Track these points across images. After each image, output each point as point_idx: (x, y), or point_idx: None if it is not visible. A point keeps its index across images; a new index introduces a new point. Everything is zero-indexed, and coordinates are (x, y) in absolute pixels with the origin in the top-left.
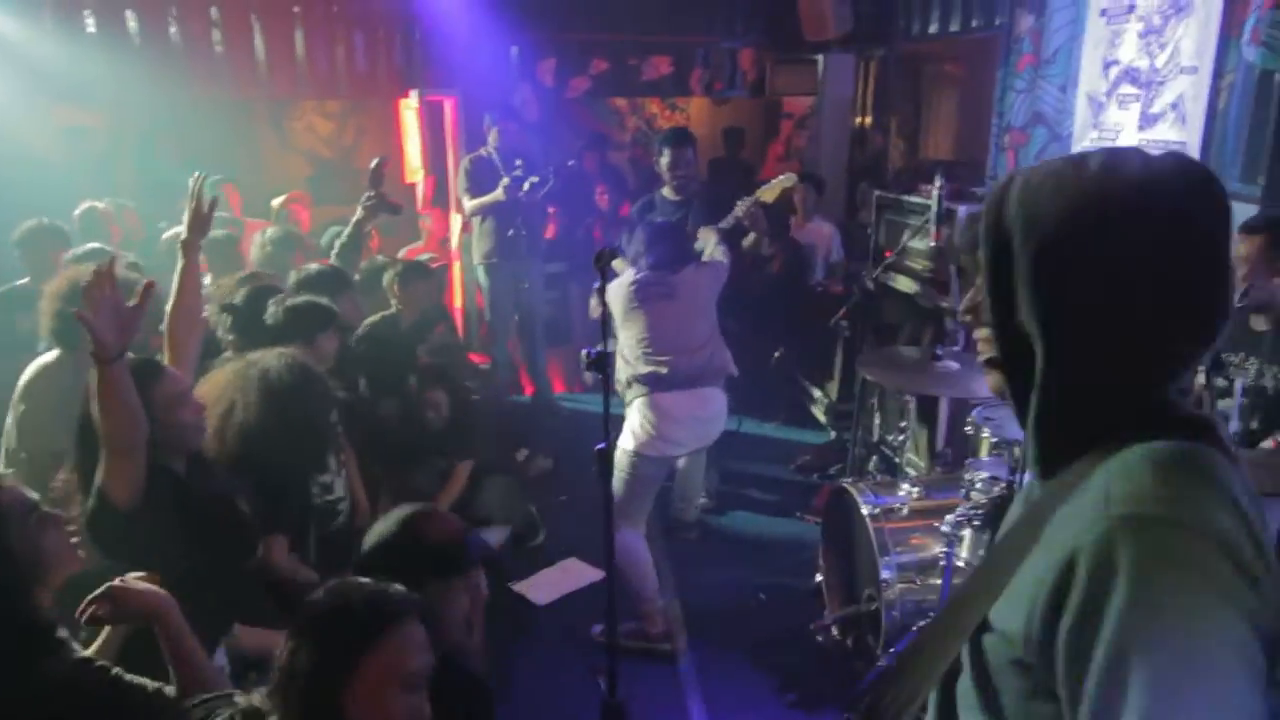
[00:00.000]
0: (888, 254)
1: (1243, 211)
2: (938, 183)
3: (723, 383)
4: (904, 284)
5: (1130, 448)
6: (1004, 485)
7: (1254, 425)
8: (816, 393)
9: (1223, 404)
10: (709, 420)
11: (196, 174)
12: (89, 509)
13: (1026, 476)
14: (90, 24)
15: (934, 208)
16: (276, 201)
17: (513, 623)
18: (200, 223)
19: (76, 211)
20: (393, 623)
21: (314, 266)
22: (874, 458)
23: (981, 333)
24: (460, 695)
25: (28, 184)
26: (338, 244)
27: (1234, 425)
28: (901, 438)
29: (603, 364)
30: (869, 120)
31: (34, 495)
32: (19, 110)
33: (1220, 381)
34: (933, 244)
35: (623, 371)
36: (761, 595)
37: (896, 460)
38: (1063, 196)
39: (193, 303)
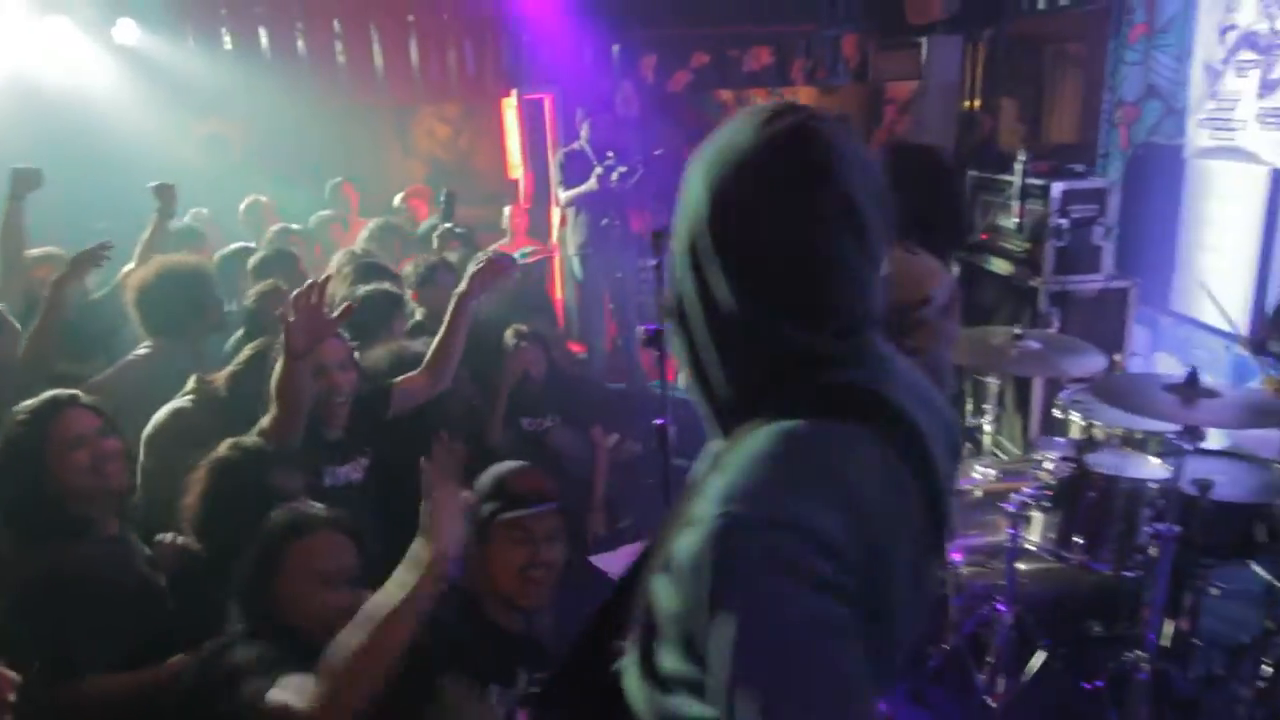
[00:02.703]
0: (984, 236)
1: None
2: (1020, 158)
3: None
4: (998, 265)
5: (769, 425)
6: (1074, 465)
7: None
8: None
9: None
10: None
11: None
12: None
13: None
14: (227, 41)
15: (1016, 184)
16: (398, 196)
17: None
18: None
19: (242, 205)
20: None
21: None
22: (964, 443)
23: None
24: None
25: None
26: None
27: None
28: (986, 420)
29: (659, 342)
30: (978, 103)
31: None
32: (162, 122)
33: None
34: (1015, 220)
35: None
36: None
37: (983, 442)
38: (739, 146)
39: None
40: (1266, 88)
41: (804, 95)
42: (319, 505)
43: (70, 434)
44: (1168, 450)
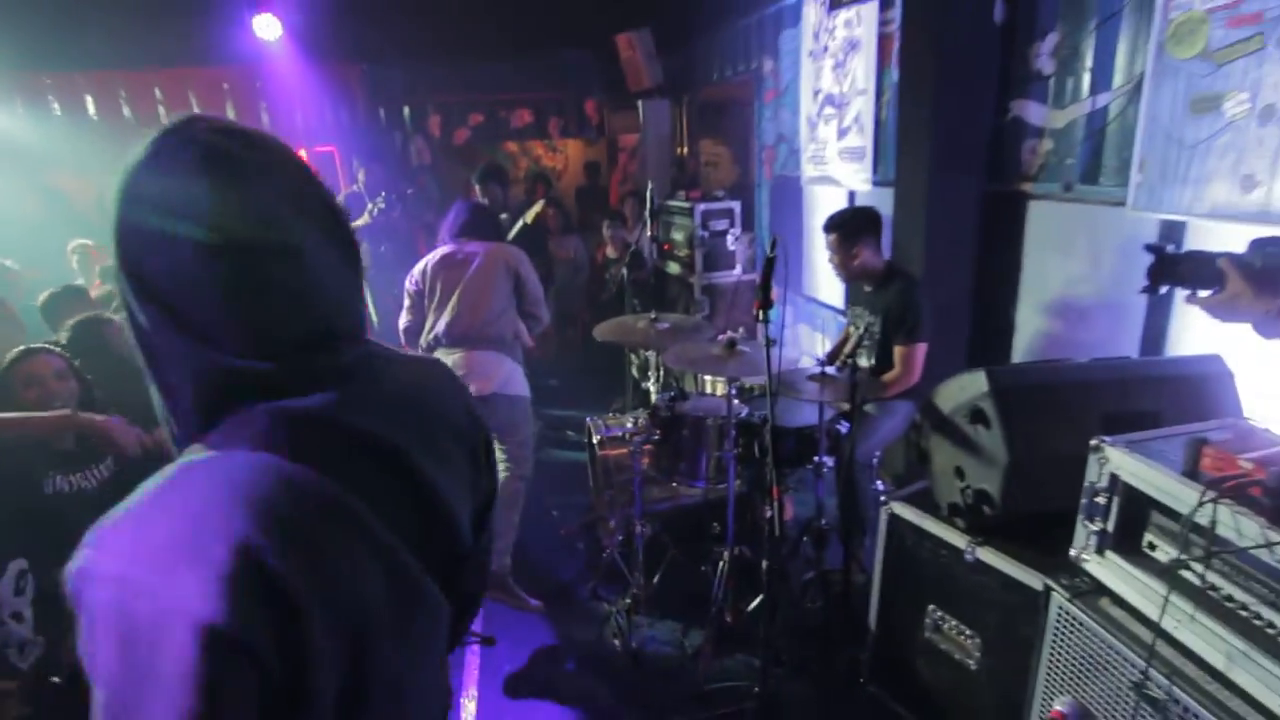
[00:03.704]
0: (666, 246)
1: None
2: (649, 186)
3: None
4: (673, 267)
5: (176, 461)
6: (669, 411)
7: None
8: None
9: None
10: None
11: None
12: None
13: None
14: (56, 108)
15: (648, 207)
16: None
17: None
18: None
19: (69, 248)
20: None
21: None
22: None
23: None
24: None
25: (16, 236)
26: None
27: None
28: (650, 383)
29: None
30: (686, 150)
31: None
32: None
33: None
34: (650, 236)
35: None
36: (554, 511)
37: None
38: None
39: None
40: (842, 133)
41: (572, 146)
42: None
43: None
44: (759, 394)
